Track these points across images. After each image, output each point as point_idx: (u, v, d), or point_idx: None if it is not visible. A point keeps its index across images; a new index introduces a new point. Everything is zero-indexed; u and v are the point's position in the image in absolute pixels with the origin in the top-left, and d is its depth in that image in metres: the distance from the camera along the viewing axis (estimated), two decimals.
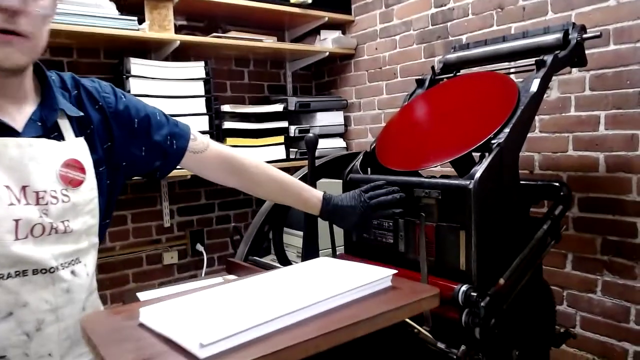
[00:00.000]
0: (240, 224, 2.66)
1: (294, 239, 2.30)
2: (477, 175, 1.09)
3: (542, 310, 1.32)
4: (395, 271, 0.84)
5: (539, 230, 1.25)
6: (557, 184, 1.38)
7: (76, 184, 0.86)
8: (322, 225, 1.38)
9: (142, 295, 1.05)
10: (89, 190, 0.88)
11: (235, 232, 1.91)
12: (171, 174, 2.14)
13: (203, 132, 2.19)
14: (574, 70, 1.67)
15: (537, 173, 1.76)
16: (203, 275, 2.46)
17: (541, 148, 1.75)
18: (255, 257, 1.23)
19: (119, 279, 2.31)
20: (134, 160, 1.00)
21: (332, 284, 0.76)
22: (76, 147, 0.88)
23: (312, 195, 1.16)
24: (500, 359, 1.12)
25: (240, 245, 1.32)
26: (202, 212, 2.53)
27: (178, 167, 1.09)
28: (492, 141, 1.16)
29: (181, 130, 1.07)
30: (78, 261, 0.86)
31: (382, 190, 1.18)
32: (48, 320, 0.82)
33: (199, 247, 2.46)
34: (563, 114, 1.70)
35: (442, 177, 1.41)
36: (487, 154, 1.18)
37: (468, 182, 1.10)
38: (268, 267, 1.14)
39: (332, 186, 1.45)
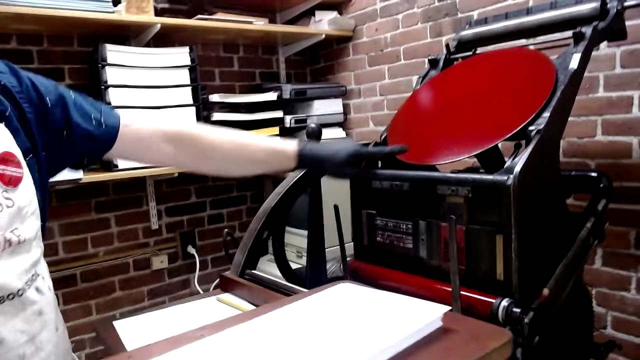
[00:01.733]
0: (235, 222, 2.48)
1: (294, 238, 2.13)
2: (518, 168, 0.92)
3: (582, 318, 1.16)
4: (449, 308, 0.66)
5: (580, 229, 1.09)
6: (595, 174, 1.21)
7: (15, 182, 0.69)
8: (328, 223, 1.20)
9: (119, 325, 0.87)
10: (28, 187, 0.72)
11: (229, 241, 1.73)
12: (157, 171, 1.99)
13: None
14: (602, 45, 1.50)
15: (562, 161, 1.59)
16: (196, 279, 2.28)
17: (566, 133, 1.57)
18: (253, 272, 1.06)
19: (104, 288, 2.13)
20: (56, 147, 0.82)
21: (370, 330, 0.58)
22: (2, 137, 0.70)
23: (286, 146, 1.00)
24: None
25: (236, 256, 1.15)
26: (193, 211, 2.34)
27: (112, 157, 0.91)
28: (530, 128, 0.99)
29: (107, 109, 0.91)
30: (37, 275, 0.72)
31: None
32: (29, 352, 0.68)
33: (191, 250, 2.29)
34: (590, 95, 1.54)
35: (467, 170, 1.24)
36: (523, 144, 1.01)
37: (506, 177, 0.93)
38: (268, 285, 0.97)
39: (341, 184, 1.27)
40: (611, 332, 1.54)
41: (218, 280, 1.05)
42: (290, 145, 0.99)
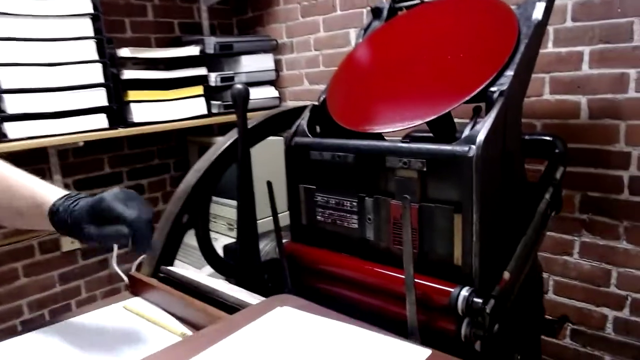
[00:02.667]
0: (157, 193, 2.24)
1: (224, 210, 1.94)
2: (481, 137, 0.78)
3: (534, 295, 1.09)
4: (429, 352, 0.51)
5: (538, 200, 0.99)
6: (549, 139, 1.12)
7: None
8: (262, 197, 1.04)
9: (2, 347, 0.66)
10: None
11: None
12: (61, 140, 1.70)
13: (96, 85, 1.74)
14: None
15: None
16: (114, 259, 2.05)
17: None
18: (169, 268, 0.87)
19: (5, 276, 1.85)
20: None
21: None
22: None
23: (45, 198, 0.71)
24: None
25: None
26: (107, 183, 2.07)
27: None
28: (492, 89, 0.86)
29: None
30: None
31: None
32: None
33: None
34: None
35: (418, 139, 1.10)
36: (484, 107, 0.88)
37: (467, 148, 0.79)
38: (189, 286, 0.79)
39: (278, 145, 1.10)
40: (552, 297, 1.52)
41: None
42: (51, 197, 0.70)
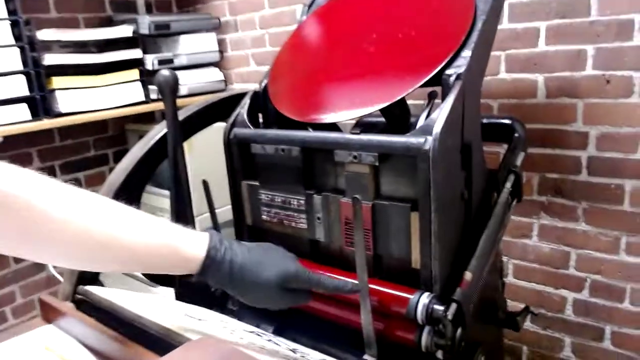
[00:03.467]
0: (97, 187, 2.06)
1: (161, 201, 1.80)
2: (437, 128, 0.70)
3: (494, 287, 1.03)
4: None
5: (498, 189, 0.93)
6: (508, 122, 1.05)
7: None
8: (197, 186, 0.93)
9: None
10: None
11: None
12: None
13: (13, 73, 1.54)
14: None
15: None
16: (51, 266, 1.88)
17: None
18: (88, 288, 0.74)
19: None
20: None
21: None
22: None
23: (188, 249, 0.60)
24: None
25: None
26: None
27: None
28: (448, 72, 0.77)
29: None
30: None
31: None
32: None
33: None
34: None
35: (366, 126, 1.01)
36: (439, 92, 0.79)
37: (423, 140, 0.70)
38: (110, 313, 0.67)
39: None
40: (512, 281, 1.49)
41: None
42: (193, 247, 0.60)
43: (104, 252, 0.53)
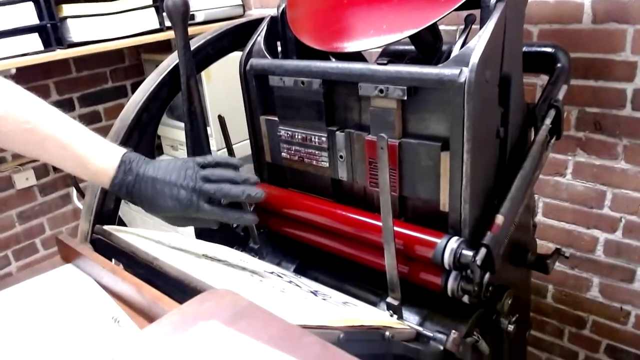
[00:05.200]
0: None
1: (180, 134, 1.76)
2: (475, 58, 0.62)
3: (525, 229, 0.99)
4: None
5: (536, 125, 0.85)
6: (550, 50, 0.96)
7: None
8: (216, 120, 0.89)
9: None
10: None
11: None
12: None
13: (21, 1, 1.46)
14: None
15: None
16: (75, 195, 1.90)
17: None
18: (107, 227, 0.73)
19: None
20: None
21: None
22: None
23: (98, 159, 0.65)
24: (493, 328, 0.79)
25: (85, 200, 0.80)
26: None
27: None
28: None
29: None
30: None
31: (230, 172, 0.66)
32: None
33: None
34: None
35: (393, 56, 0.93)
36: (477, 16, 0.71)
37: (458, 71, 0.63)
38: (127, 254, 0.65)
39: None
40: (541, 219, 1.44)
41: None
42: (103, 161, 0.65)
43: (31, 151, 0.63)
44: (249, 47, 0.89)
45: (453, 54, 0.67)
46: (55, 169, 1.86)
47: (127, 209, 1.76)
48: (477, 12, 0.73)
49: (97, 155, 0.64)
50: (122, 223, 0.91)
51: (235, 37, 0.97)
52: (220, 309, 0.39)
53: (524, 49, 0.95)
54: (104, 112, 2.00)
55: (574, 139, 1.32)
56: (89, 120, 1.95)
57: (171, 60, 0.91)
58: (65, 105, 1.88)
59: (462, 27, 0.82)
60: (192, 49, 0.86)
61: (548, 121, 0.84)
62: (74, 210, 1.97)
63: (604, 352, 1.42)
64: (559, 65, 0.93)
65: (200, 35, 0.94)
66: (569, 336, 1.48)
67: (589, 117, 1.28)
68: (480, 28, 0.67)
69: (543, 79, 1.31)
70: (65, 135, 0.64)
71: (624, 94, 1.20)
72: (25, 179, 1.81)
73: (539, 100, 0.88)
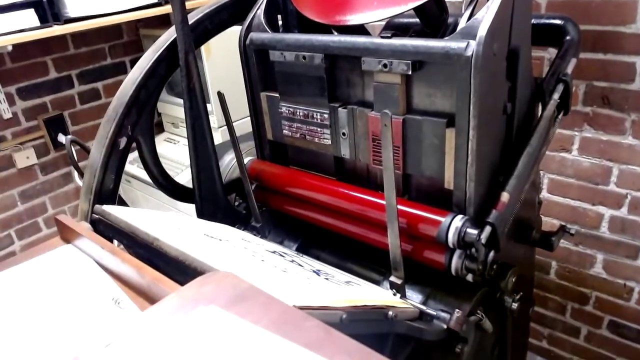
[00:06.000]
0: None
1: (180, 111, 1.74)
2: (483, 30, 0.60)
3: (531, 206, 0.97)
4: None
5: (543, 100, 0.83)
6: (559, 22, 0.93)
7: None
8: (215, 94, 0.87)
9: None
10: None
11: (78, 151, 1.33)
12: None
13: None
14: None
15: None
16: (77, 174, 1.89)
17: None
18: (106, 208, 0.72)
19: None
20: None
21: None
22: None
23: None
24: (497, 306, 0.78)
25: (84, 179, 0.79)
26: (56, 89, 1.84)
27: None
28: None
29: None
30: None
31: None
32: None
33: (62, 138, 1.84)
34: None
35: (397, 29, 0.90)
36: None
37: (464, 45, 0.61)
38: (127, 234, 0.64)
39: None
40: (546, 196, 1.42)
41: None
42: None
43: None
44: (249, 20, 0.87)
45: (460, 27, 0.65)
46: (56, 147, 1.85)
47: (128, 187, 1.75)
48: None
49: None
50: (122, 202, 0.90)
51: (234, 10, 0.94)
52: (220, 291, 0.38)
53: (533, 21, 0.93)
54: (103, 89, 1.98)
55: (581, 114, 1.30)
56: (88, 98, 1.93)
57: (169, 35, 0.89)
58: (64, 83, 1.85)
59: None
60: (190, 23, 0.83)
61: (556, 96, 0.81)
62: (76, 189, 1.97)
63: (607, 328, 1.42)
64: (567, 38, 0.90)
65: (198, 9, 0.91)
66: (572, 312, 1.48)
67: (597, 91, 1.25)
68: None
69: (551, 52, 1.28)
70: None
71: (634, 67, 1.17)
72: (25, 158, 1.80)
73: (547, 75, 0.86)
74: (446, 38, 0.64)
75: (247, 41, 0.86)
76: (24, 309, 0.54)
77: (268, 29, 0.85)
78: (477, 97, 0.62)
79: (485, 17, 0.61)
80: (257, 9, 0.87)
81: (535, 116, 0.84)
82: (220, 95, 0.81)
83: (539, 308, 1.54)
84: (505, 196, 0.71)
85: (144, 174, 1.59)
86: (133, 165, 1.57)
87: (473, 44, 0.60)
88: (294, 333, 0.32)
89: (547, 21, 0.94)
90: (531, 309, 1.09)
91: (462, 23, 0.68)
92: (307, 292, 0.55)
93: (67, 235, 0.69)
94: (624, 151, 1.25)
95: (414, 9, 0.74)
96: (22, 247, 1.87)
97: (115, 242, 0.72)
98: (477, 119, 0.63)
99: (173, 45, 0.86)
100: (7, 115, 1.73)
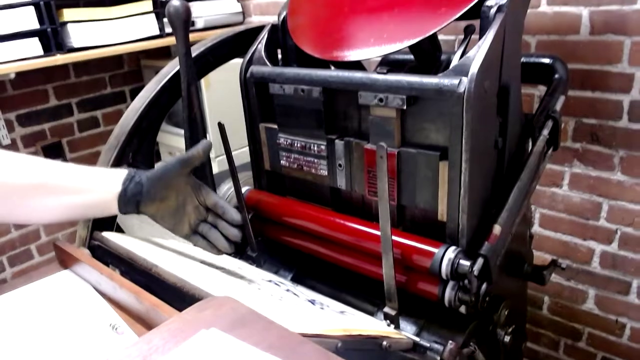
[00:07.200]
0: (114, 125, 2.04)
1: (179, 140, 1.76)
2: (475, 67, 0.63)
3: (522, 240, 0.99)
4: None
5: (533, 136, 0.86)
6: (548, 61, 0.97)
7: None
8: (215, 126, 0.89)
9: None
10: None
11: None
12: None
13: (21, 5, 1.46)
14: None
15: None
16: None
17: None
18: (105, 234, 0.73)
19: None
20: None
21: None
22: None
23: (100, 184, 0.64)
24: (489, 338, 0.79)
25: None
26: (56, 117, 1.86)
27: None
28: (488, 3, 0.69)
29: None
30: None
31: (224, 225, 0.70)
32: None
33: None
34: None
35: (392, 65, 0.93)
36: (477, 27, 0.71)
37: (457, 81, 0.64)
38: (125, 260, 0.65)
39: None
40: (538, 230, 1.44)
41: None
42: (107, 191, 0.63)
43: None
44: (250, 54, 0.90)
45: (452, 64, 0.68)
46: None
47: (125, 216, 1.74)
48: (476, 23, 0.74)
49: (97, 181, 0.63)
50: (119, 230, 0.91)
51: (235, 45, 0.97)
52: (220, 316, 0.39)
53: (522, 59, 0.96)
54: (102, 118, 2.00)
55: (571, 150, 1.33)
56: (87, 126, 1.95)
57: (172, 66, 0.92)
58: (64, 110, 1.88)
59: (462, 37, 0.83)
60: (193, 55, 0.86)
61: (545, 132, 0.84)
62: None
63: None
64: (556, 76, 0.94)
65: (200, 42, 0.95)
66: (565, 348, 1.48)
67: (586, 128, 1.29)
68: (480, 38, 0.67)
69: (541, 90, 1.33)
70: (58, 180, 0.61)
71: (621, 105, 1.21)
72: None
73: (537, 111, 0.89)
74: (439, 75, 0.66)
75: (248, 74, 0.88)
76: (21, 334, 0.54)
77: (268, 63, 0.88)
78: (469, 131, 0.65)
79: (477, 55, 0.64)
80: (258, 43, 0.90)
81: (525, 151, 0.86)
82: (221, 126, 0.83)
83: (531, 344, 1.53)
84: (497, 229, 0.73)
85: None
86: None
87: (465, 80, 0.63)
88: (293, 356, 0.32)
89: (537, 60, 0.98)
90: (524, 345, 1.08)
91: (455, 61, 0.71)
92: (303, 320, 0.56)
93: (65, 260, 0.70)
94: (613, 187, 1.28)
95: (409, 46, 0.77)
96: (13, 274, 1.85)
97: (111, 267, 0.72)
98: (470, 152, 0.66)
99: (176, 76, 0.89)
100: (6, 141, 1.74)
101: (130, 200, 0.63)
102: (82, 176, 0.63)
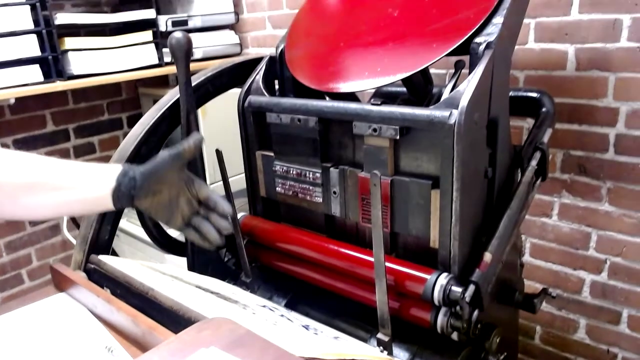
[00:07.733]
0: (111, 152, 2.06)
1: None
2: (464, 101, 0.66)
3: (513, 268, 1.00)
4: None
5: (522, 166, 0.88)
6: (535, 95, 1.00)
7: None
8: (211, 154, 0.91)
9: None
10: None
11: None
12: None
13: (23, 33, 1.50)
14: None
15: None
16: (65, 224, 1.89)
17: None
18: (102, 257, 0.74)
19: None
20: None
21: None
22: None
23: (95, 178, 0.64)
24: None
25: (80, 230, 0.81)
26: (53, 142, 1.88)
27: None
28: (478, 40, 0.72)
29: None
30: None
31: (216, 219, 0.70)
32: None
33: None
34: None
35: (386, 97, 0.97)
36: (467, 62, 0.75)
37: (448, 113, 0.66)
38: (122, 285, 0.66)
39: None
40: (529, 260, 1.46)
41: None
42: (102, 187, 0.64)
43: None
44: (248, 84, 0.93)
45: (443, 97, 0.71)
46: None
47: (115, 240, 1.75)
48: (466, 58, 0.77)
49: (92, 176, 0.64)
50: (114, 254, 0.91)
51: (234, 75, 1.00)
52: (218, 336, 0.40)
53: (511, 93, 1.00)
54: (98, 144, 2.02)
55: (560, 181, 1.36)
56: (83, 151, 1.97)
57: (171, 95, 0.94)
58: (61, 136, 1.89)
59: (452, 71, 0.86)
60: (192, 84, 0.89)
61: (534, 163, 0.87)
62: (63, 241, 1.95)
63: None
64: (544, 109, 0.97)
65: (200, 72, 0.97)
66: None
67: (574, 160, 1.32)
68: (469, 73, 0.70)
69: (529, 122, 1.36)
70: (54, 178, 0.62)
71: (607, 138, 1.25)
72: None
73: (525, 143, 0.92)
74: (431, 107, 0.69)
75: (246, 103, 0.91)
76: (17, 356, 0.54)
77: (266, 93, 0.91)
78: (459, 161, 0.67)
79: (467, 89, 0.67)
80: (257, 74, 0.93)
81: (515, 181, 0.89)
82: (218, 153, 0.85)
83: None
84: (487, 256, 0.75)
85: (132, 228, 1.60)
86: (123, 219, 1.59)
87: (456, 113, 0.66)
88: None
89: (525, 94, 1.02)
90: None
91: (446, 94, 0.74)
92: (298, 344, 0.57)
93: (61, 283, 0.70)
94: (601, 217, 1.30)
95: (402, 79, 0.80)
96: (3, 299, 1.83)
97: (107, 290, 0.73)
98: (460, 181, 0.68)
99: (175, 104, 0.91)
100: None
101: (125, 195, 0.63)
102: (76, 172, 0.64)
